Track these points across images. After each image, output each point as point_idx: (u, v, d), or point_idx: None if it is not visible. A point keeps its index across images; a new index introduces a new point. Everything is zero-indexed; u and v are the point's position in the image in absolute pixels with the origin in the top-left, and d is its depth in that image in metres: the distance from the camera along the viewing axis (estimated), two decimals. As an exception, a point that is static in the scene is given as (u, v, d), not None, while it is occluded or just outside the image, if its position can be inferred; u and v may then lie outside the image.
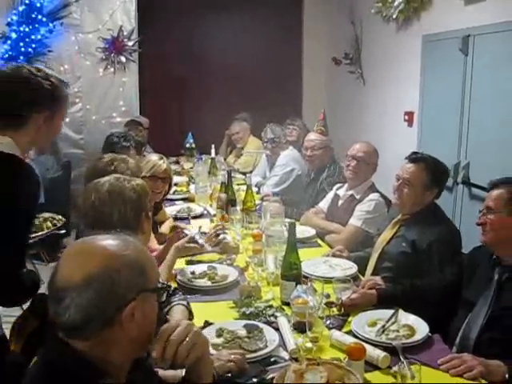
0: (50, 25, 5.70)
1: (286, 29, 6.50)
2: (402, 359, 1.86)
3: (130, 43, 6.01)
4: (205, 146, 5.30)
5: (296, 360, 1.89)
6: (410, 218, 2.75)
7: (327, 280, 2.51)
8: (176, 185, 4.74)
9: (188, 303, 2.22)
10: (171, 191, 4.40)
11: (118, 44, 5.95)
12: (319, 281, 2.56)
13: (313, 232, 3.33)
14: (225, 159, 5.88)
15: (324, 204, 3.60)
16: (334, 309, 2.25)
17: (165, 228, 3.36)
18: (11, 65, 2.12)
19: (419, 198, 2.71)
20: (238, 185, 4.70)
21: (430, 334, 2.06)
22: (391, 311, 2.19)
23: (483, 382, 1.79)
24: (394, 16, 4.73)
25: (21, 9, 5.59)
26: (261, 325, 2.08)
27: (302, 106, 6.72)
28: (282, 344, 1.98)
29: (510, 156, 3.54)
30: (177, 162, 5.94)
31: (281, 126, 4.63)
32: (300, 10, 6.61)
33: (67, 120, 5.96)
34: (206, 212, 3.81)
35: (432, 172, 2.72)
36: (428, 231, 2.62)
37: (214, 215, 3.63)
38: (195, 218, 3.70)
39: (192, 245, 2.64)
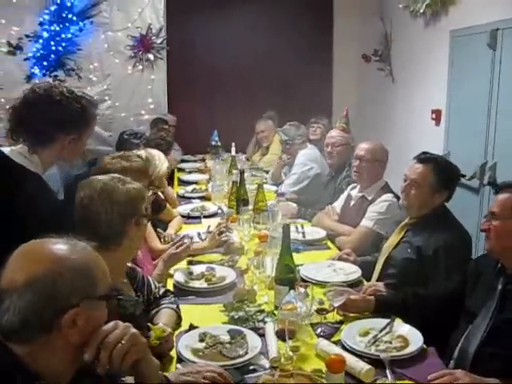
0: (80, 24, 5.78)
1: (316, 26, 6.36)
2: (388, 373, 1.78)
3: (158, 41, 6.03)
4: (231, 145, 5.30)
5: (276, 369, 1.82)
6: (418, 222, 2.62)
7: (322, 285, 2.44)
8: (196, 183, 4.74)
9: (177, 306, 2.18)
10: (189, 189, 4.44)
11: (146, 42, 5.98)
12: (319, 285, 2.49)
13: (323, 234, 3.23)
14: (249, 158, 5.86)
15: (338, 204, 3.50)
16: (327, 316, 2.16)
17: (172, 228, 3.33)
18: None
19: (427, 200, 2.58)
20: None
21: (424, 347, 1.95)
22: (387, 320, 2.09)
23: (471, 398, 1.67)
24: (422, 11, 4.57)
25: (52, 8, 5.69)
26: (245, 331, 2.02)
27: (333, 104, 6.58)
28: (266, 352, 1.91)
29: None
30: (203, 160, 5.95)
31: (297, 126, 4.52)
32: (331, 7, 6.46)
33: (97, 117, 6.05)
34: (220, 211, 3.76)
35: (441, 173, 2.59)
36: (435, 236, 2.49)
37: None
38: (208, 217, 3.65)
39: (177, 250, 2.56)
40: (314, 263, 2.74)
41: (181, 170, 5.46)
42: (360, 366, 1.76)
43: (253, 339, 1.96)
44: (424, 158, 2.65)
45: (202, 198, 4.18)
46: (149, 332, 1.85)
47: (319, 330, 2.09)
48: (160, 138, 4.84)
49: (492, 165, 3.89)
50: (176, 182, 4.90)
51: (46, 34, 5.70)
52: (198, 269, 2.65)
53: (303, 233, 3.23)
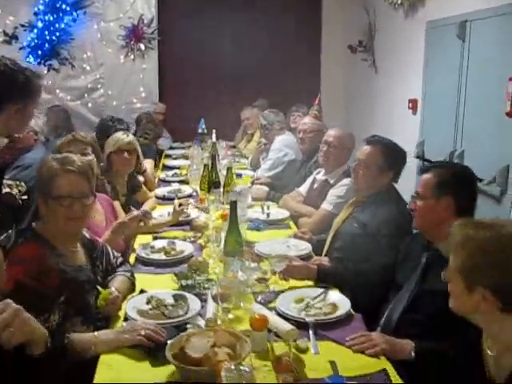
0: (74, 14, 5.99)
1: (304, 16, 6.51)
2: (310, 334, 1.93)
3: (150, 31, 6.19)
4: (220, 132, 5.45)
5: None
6: (365, 199, 2.77)
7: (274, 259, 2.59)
8: (178, 168, 4.91)
9: (132, 275, 2.36)
10: (170, 173, 4.61)
11: (137, 32, 6.16)
12: (271, 259, 2.65)
13: (286, 214, 3.39)
14: (235, 145, 6.02)
15: (304, 188, 3.65)
16: (269, 285, 2.32)
17: (145, 207, 3.49)
18: None
19: (374, 179, 2.72)
20: (240, 169, 4.85)
21: (352, 312, 2.10)
22: (322, 290, 2.25)
23: (382, 358, 1.82)
24: (400, 1, 4.67)
25: (47, -1, 5.88)
26: (189, 296, 2.18)
27: (321, 93, 6.69)
28: (205, 314, 2.08)
29: (505, 145, 3.46)
30: (190, 147, 6.10)
31: (276, 112, 4.68)
32: (319, -3, 6.60)
33: (89, 105, 6.25)
34: (194, 193, 3.92)
35: (387, 154, 2.73)
36: (379, 213, 2.63)
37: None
38: (182, 198, 3.80)
39: (124, 219, 2.70)
40: (270, 240, 2.90)
41: (168, 156, 5.62)
42: (284, 328, 1.92)
43: (194, 303, 2.13)
44: (372, 140, 2.80)
45: (181, 182, 4.34)
46: (98, 294, 2.03)
47: (260, 297, 2.25)
48: (148, 129, 5.04)
49: (460, 152, 4.01)
50: (160, 167, 5.07)
51: (40, 24, 5.90)
52: (159, 243, 2.81)
53: (268, 213, 3.39)
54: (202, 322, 2.03)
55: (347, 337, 1.91)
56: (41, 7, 5.88)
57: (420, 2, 4.56)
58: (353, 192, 3.24)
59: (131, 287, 2.31)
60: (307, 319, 2.00)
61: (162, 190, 3.96)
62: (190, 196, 3.88)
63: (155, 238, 2.96)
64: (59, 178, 2.02)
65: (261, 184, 4.08)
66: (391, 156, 2.73)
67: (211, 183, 3.68)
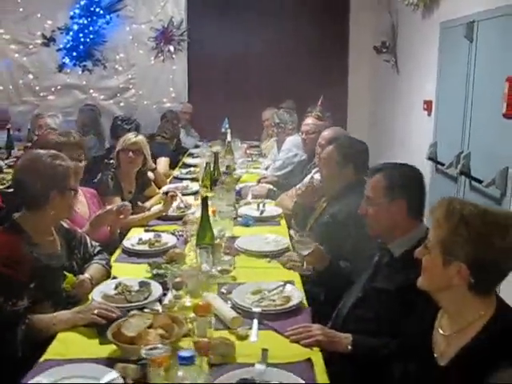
0: (107, 17, 6.27)
1: (331, 18, 6.54)
2: (254, 324, 2.03)
3: (179, 33, 6.40)
4: (246, 132, 5.62)
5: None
6: (335, 194, 2.85)
7: (251, 253, 2.72)
8: (195, 166, 5.07)
9: (107, 263, 2.52)
10: (185, 171, 4.79)
11: (167, 34, 6.38)
12: (247, 254, 2.77)
13: (279, 211, 3.48)
14: (259, 145, 6.14)
15: (301, 186, 3.72)
16: (232, 277, 2.45)
17: (149, 202, 3.68)
18: None
19: (336, 175, 2.79)
20: (254, 168, 4.98)
21: (302, 306, 2.18)
22: (281, 283, 2.33)
23: (315, 349, 1.89)
24: (415, 3, 4.65)
25: (82, 3, 6.21)
26: (153, 283, 2.32)
27: (348, 94, 6.72)
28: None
29: (503, 146, 3.42)
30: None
31: (291, 112, 4.76)
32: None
33: (121, 104, 6.53)
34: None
35: (341, 150, 2.81)
36: (347, 204, 2.69)
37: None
38: (186, 194, 3.96)
39: (101, 211, 2.86)
40: (252, 235, 3.01)
41: (190, 154, 5.80)
42: (229, 315, 2.03)
43: (156, 290, 2.27)
44: (330, 138, 2.89)
45: (193, 180, 4.50)
46: (65, 279, 2.21)
47: (223, 288, 2.37)
48: (166, 128, 5.24)
49: (466, 154, 3.96)
50: (180, 165, 5.26)
51: (76, 27, 6.22)
52: (147, 236, 2.97)
53: (262, 210, 3.49)
54: (159, 308, 2.16)
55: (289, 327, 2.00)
56: (77, 11, 6.21)
57: (435, 3, 4.52)
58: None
59: (105, 274, 2.47)
60: (254, 309, 2.10)
61: (168, 187, 4.13)
62: (196, 193, 4.02)
63: (146, 231, 3.12)
64: None
65: (266, 182, 4.18)
66: (346, 150, 2.83)
67: (213, 180, 3.83)
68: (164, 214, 3.32)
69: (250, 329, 2.00)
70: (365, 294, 2.14)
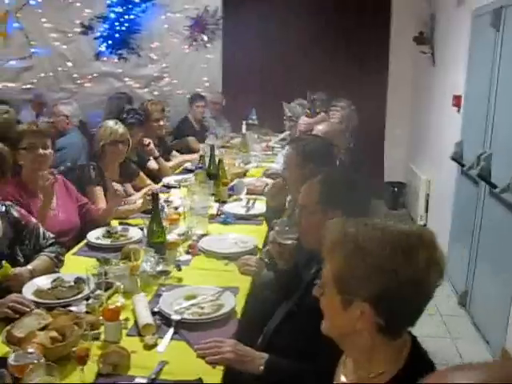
0: (143, 5, 6.25)
1: (374, 5, 6.18)
2: (169, 332, 1.90)
3: (213, 22, 6.29)
4: (278, 124, 5.44)
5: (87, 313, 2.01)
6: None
7: (210, 254, 2.58)
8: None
9: (57, 256, 2.46)
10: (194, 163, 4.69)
11: (201, 23, 6.28)
12: (207, 254, 2.63)
13: (265, 210, 3.30)
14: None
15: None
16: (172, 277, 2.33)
17: (139, 194, 3.60)
18: None
19: (298, 176, 2.55)
20: (269, 162, 4.80)
21: (232, 316, 2.02)
22: (219, 290, 2.18)
23: (218, 367, 1.73)
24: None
25: (119, -9, 6.22)
26: (92, 279, 2.21)
27: (388, 85, 6.35)
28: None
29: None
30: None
31: (304, 105, 4.53)
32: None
33: (156, 93, 6.53)
34: (202, 184, 3.95)
35: (302, 151, 2.57)
36: None
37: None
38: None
39: None
40: (221, 235, 2.86)
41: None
42: (141, 322, 1.90)
43: (89, 286, 2.17)
44: (291, 141, 2.68)
45: (201, 172, 4.38)
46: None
47: (162, 289, 2.25)
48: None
49: (487, 155, 3.60)
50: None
51: (112, 15, 6.25)
52: (115, 229, 2.89)
53: (248, 207, 3.32)
54: (82, 307, 2.07)
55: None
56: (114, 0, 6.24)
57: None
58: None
59: (52, 267, 2.41)
60: (173, 317, 1.96)
61: (169, 179, 4.04)
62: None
63: (121, 224, 3.05)
64: None
65: (268, 176, 4.00)
66: (304, 152, 2.58)
67: (209, 175, 3.70)
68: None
69: (161, 338, 1.87)
70: (295, 309, 1.95)
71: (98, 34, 6.32)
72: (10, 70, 6.36)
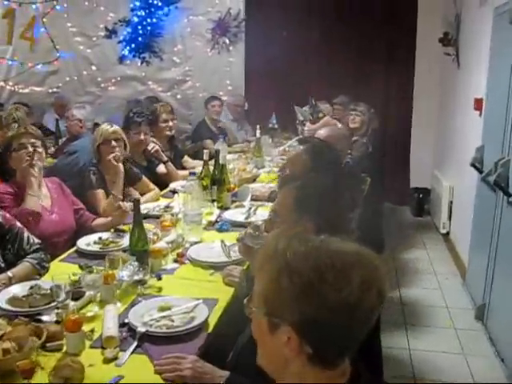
0: (166, 9, 6.26)
1: (400, 4, 5.99)
2: (131, 346, 1.83)
3: (235, 24, 6.23)
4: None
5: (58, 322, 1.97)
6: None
7: (196, 263, 2.52)
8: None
9: (39, 263, 2.43)
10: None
11: (223, 25, 6.23)
12: (193, 263, 2.56)
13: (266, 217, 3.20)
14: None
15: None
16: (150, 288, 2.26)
17: (146, 198, 3.57)
18: None
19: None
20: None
21: (203, 329, 1.94)
22: (195, 302, 2.09)
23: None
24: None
25: (141, -5, 6.24)
26: (67, 287, 2.17)
27: (414, 89, 6.14)
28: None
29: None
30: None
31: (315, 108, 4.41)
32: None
33: (179, 97, 6.53)
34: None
35: (315, 155, 2.47)
36: None
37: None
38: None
39: None
40: (213, 242, 2.77)
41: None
42: (104, 334, 1.84)
43: (62, 296, 2.12)
44: (301, 140, 2.56)
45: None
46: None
47: (139, 299, 2.18)
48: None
49: (505, 161, 3.39)
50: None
51: (136, 19, 6.29)
52: (107, 235, 2.85)
53: (249, 214, 3.23)
54: (51, 317, 2.02)
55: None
56: (137, 3, 6.27)
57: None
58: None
59: (33, 274, 2.38)
60: (139, 329, 1.89)
61: (176, 184, 3.98)
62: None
63: (115, 230, 3.00)
64: None
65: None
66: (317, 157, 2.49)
67: (212, 180, 3.63)
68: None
69: (122, 351, 1.80)
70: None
71: (122, 37, 6.36)
72: (36, 74, 6.48)
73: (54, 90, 6.52)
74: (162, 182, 4.05)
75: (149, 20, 6.26)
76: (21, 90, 6.51)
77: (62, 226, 2.92)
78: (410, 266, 4.76)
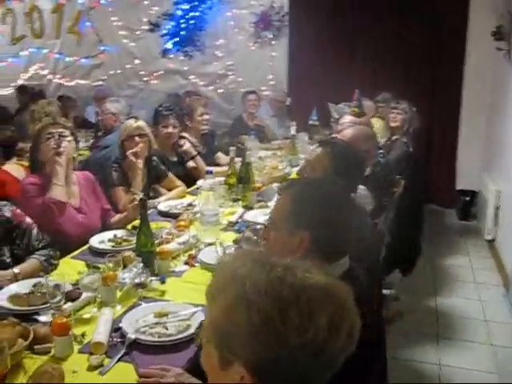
0: (209, 2, 6.20)
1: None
2: (120, 353, 1.76)
3: (278, 18, 6.09)
4: None
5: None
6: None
7: (205, 267, 2.44)
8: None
9: (47, 259, 2.40)
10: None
11: (265, 19, 6.11)
12: (202, 267, 2.47)
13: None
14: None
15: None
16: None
17: (167, 195, 3.51)
18: None
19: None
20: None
21: (190, 339, 1.84)
22: (195, 309, 2.00)
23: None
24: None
25: (184, -12, 6.21)
26: (67, 287, 2.13)
27: (463, 85, 5.80)
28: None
29: None
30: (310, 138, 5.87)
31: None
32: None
33: (221, 91, 6.47)
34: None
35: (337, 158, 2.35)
36: None
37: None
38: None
39: None
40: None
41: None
42: (93, 339, 1.78)
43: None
44: (322, 141, 2.41)
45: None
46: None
47: (140, 301, 2.12)
48: None
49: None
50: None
51: (179, 13, 6.26)
52: (121, 233, 2.81)
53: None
54: (45, 317, 1.98)
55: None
56: (180, -3, 6.24)
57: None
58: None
59: (39, 270, 2.36)
60: (129, 335, 1.82)
61: (204, 182, 3.90)
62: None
63: (133, 228, 2.95)
64: None
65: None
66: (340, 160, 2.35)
67: (239, 179, 3.54)
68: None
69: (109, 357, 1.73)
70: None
71: (165, 31, 6.36)
72: (81, 67, 6.58)
73: (99, 83, 6.60)
74: (192, 177, 3.99)
75: (192, 14, 6.22)
76: (67, 83, 6.63)
77: (87, 227, 2.86)
78: (450, 272, 4.50)
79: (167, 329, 1.90)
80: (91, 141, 5.30)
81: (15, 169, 3.32)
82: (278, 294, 0.94)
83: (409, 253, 3.97)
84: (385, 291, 3.59)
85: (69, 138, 2.87)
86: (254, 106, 5.70)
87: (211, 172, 3.54)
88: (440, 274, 4.46)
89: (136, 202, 2.78)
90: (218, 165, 4.45)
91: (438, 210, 5.93)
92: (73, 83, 6.62)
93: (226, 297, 0.97)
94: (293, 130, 4.60)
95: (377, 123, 5.19)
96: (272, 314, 0.92)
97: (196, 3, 6.20)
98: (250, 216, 3.14)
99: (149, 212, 3.18)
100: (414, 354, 3.36)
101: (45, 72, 6.73)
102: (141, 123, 3.41)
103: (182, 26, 6.28)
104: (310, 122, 5.55)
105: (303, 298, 0.93)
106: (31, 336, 1.74)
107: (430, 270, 4.47)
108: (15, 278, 2.24)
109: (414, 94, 5.40)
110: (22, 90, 6.42)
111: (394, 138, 4.57)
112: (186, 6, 6.21)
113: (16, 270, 2.27)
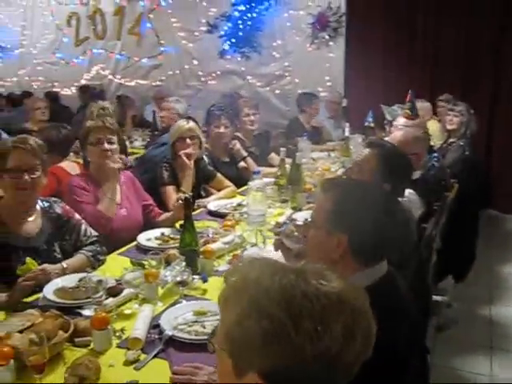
0: (266, 3, 6.20)
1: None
2: (155, 349, 1.78)
3: (335, 19, 6.01)
4: None
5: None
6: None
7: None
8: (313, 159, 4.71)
9: (94, 255, 2.46)
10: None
11: (322, 20, 6.04)
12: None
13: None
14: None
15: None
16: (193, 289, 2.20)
17: (216, 195, 3.54)
18: None
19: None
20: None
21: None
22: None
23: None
24: None
25: (242, -10, 6.25)
26: (110, 281, 2.17)
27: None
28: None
29: None
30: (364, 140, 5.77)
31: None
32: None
33: (277, 92, 6.46)
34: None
35: (386, 160, 2.31)
36: None
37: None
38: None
39: None
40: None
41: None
42: (131, 334, 1.80)
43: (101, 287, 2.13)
44: (371, 142, 2.33)
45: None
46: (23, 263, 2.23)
47: (181, 299, 2.13)
48: None
49: None
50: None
51: (236, 14, 6.30)
52: (169, 231, 2.84)
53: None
54: (89, 311, 2.02)
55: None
56: (238, -2, 6.28)
57: None
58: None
59: (86, 266, 2.41)
60: (166, 332, 1.83)
61: (254, 183, 3.89)
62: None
63: (181, 226, 2.97)
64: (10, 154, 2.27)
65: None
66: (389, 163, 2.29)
67: (289, 180, 3.52)
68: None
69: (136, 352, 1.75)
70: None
71: (223, 32, 6.41)
72: (141, 68, 6.74)
73: (157, 83, 6.74)
74: (243, 178, 3.99)
75: (249, 15, 6.24)
76: (127, 83, 6.81)
77: (129, 221, 2.92)
78: (508, 281, 4.30)
79: (205, 327, 1.90)
80: (148, 140, 5.41)
81: (71, 166, 3.41)
82: (291, 301, 0.91)
83: (462, 259, 3.82)
84: (436, 297, 3.48)
85: (115, 146, 2.88)
86: (317, 110, 5.62)
87: (259, 172, 3.52)
88: (497, 282, 4.27)
89: (181, 202, 2.80)
90: (271, 165, 4.43)
91: (498, 216, 5.70)
92: (132, 83, 6.80)
93: (236, 303, 0.96)
94: (346, 132, 4.53)
95: (433, 125, 5.06)
96: (284, 321, 0.89)
97: (253, 4, 6.21)
98: (299, 217, 3.10)
99: (199, 211, 3.27)
100: (464, 363, 3.22)
101: (106, 72, 6.95)
102: (192, 125, 3.43)
103: (240, 27, 6.31)
104: (366, 124, 5.42)
105: (317, 307, 0.91)
106: (71, 329, 1.78)
107: (486, 278, 4.28)
108: (63, 273, 2.30)
109: (473, 96, 5.21)
110: (83, 89, 6.65)
111: (451, 141, 4.42)
112: (243, 8, 6.24)
113: (64, 264, 2.32)
